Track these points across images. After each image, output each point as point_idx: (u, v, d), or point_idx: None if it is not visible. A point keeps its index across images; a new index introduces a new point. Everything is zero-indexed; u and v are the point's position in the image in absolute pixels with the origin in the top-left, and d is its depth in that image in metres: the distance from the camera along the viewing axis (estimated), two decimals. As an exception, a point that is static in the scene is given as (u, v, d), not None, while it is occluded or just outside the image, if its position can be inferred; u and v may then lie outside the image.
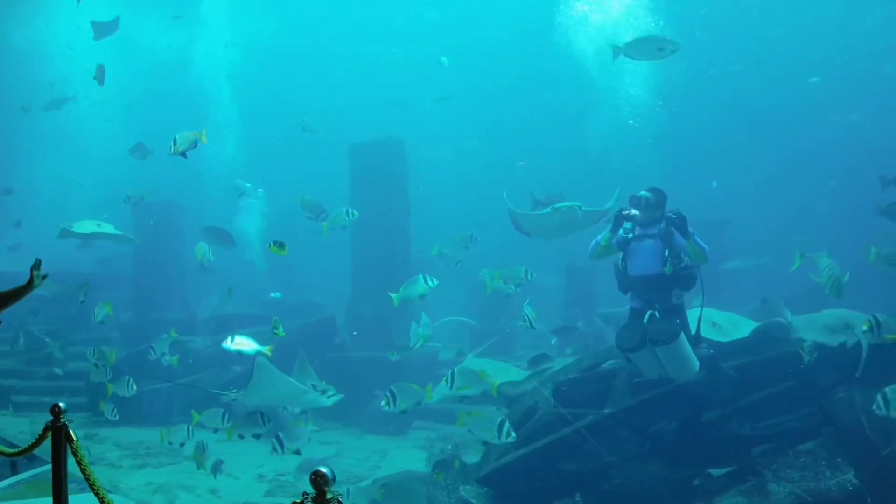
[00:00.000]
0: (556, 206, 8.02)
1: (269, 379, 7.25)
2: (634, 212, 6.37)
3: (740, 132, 25.34)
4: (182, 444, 7.63)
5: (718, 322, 6.83)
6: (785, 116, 23.79)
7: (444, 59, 17.77)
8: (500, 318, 14.45)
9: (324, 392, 7.32)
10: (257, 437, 7.17)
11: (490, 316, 15.35)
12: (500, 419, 5.96)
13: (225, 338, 8.41)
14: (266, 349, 8.24)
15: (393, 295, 8.44)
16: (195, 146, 7.71)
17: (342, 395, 7.53)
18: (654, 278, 6.30)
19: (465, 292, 16.57)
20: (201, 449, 7.38)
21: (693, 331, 6.50)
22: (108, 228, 10.49)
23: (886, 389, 5.45)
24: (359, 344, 12.89)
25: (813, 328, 6.81)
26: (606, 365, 7.37)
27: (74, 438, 3.39)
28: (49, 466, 6.75)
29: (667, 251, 6.25)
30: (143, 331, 13.35)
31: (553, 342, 11.82)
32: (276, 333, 7.65)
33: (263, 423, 7.05)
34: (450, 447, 9.47)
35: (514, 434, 5.96)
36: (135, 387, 8.25)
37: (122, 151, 11.98)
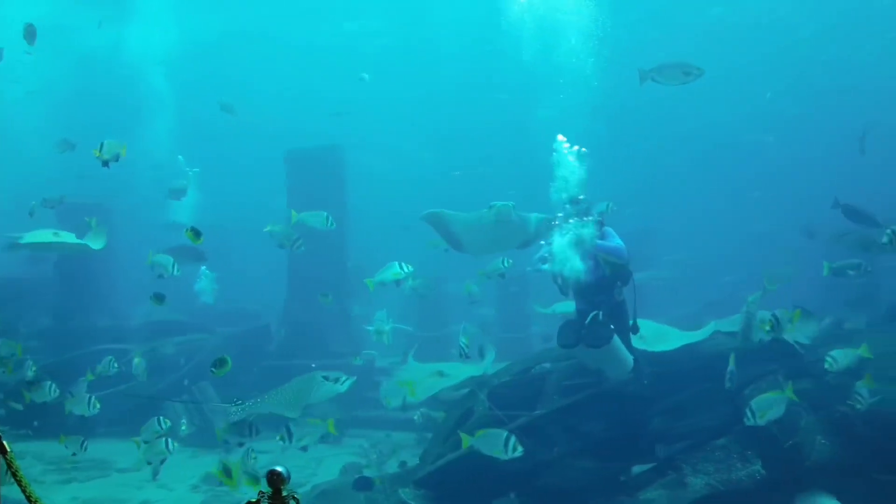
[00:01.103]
0: (492, 203, 7.78)
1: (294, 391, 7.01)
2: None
3: (672, 146, 26.64)
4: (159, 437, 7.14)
5: (645, 334, 7.24)
6: (713, 135, 25.23)
7: (364, 74, 17.72)
8: (439, 324, 14.67)
9: (336, 380, 7.03)
10: (241, 445, 6.96)
11: (427, 322, 15.55)
12: (505, 434, 6.01)
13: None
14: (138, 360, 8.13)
15: (368, 281, 8.33)
16: (118, 159, 7.55)
17: (354, 378, 7.23)
18: (596, 279, 6.59)
19: (401, 299, 16.71)
20: (163, 448, 6.97)
21: (631, 323, 6.90)
22: (66, 237, 9.28)
23: (752, 402, 6.09)
24: (294, 352, 12.82)
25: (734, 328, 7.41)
26: (538, 368, 7.73)
27: (8, 450, 3.33)
28: (-31, 482, 6.46)
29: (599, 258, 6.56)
30: (66, 338, 12.82)
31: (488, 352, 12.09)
32: (213, 372, 7.44)
33: (251, 433, 6.84)
34: (374, 456, 9.55)
35: (520, 448, 5.96)
36: (98, 405, 7.68)
37: (49, 148, 11.48)
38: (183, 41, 20.02)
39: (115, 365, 8.63)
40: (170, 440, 7.02)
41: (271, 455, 10.11)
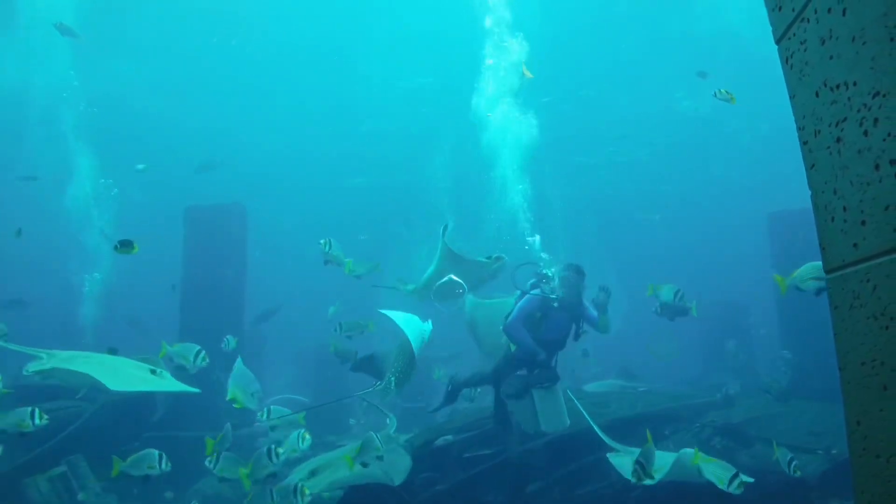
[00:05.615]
0: (500, 255, 8.08)
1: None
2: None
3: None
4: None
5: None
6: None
7: (140, 165, 17.79)
8: (340, 392, 14.22)
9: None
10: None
11: (323, 392, 15.08)
12: None
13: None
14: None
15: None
16: None
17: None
18: (559, 341, 7.25)
19: (295, 368, 16.21)
20: None
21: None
22: (167, 381, 6.97)
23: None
24: (180, 422, 11.93)
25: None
26: (439, 441, 7.65)
27: None
28: None
29: (581, 324, 7.17)
30: None
31: (389, 420, 11.84)
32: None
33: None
34: None
35: None
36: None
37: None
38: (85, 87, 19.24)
39: None
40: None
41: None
